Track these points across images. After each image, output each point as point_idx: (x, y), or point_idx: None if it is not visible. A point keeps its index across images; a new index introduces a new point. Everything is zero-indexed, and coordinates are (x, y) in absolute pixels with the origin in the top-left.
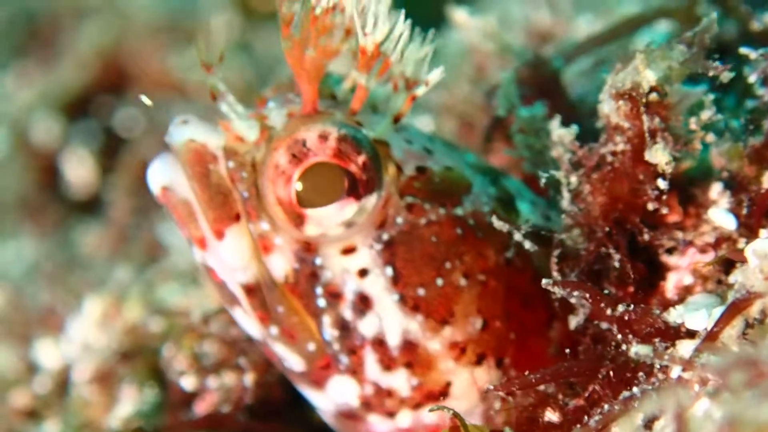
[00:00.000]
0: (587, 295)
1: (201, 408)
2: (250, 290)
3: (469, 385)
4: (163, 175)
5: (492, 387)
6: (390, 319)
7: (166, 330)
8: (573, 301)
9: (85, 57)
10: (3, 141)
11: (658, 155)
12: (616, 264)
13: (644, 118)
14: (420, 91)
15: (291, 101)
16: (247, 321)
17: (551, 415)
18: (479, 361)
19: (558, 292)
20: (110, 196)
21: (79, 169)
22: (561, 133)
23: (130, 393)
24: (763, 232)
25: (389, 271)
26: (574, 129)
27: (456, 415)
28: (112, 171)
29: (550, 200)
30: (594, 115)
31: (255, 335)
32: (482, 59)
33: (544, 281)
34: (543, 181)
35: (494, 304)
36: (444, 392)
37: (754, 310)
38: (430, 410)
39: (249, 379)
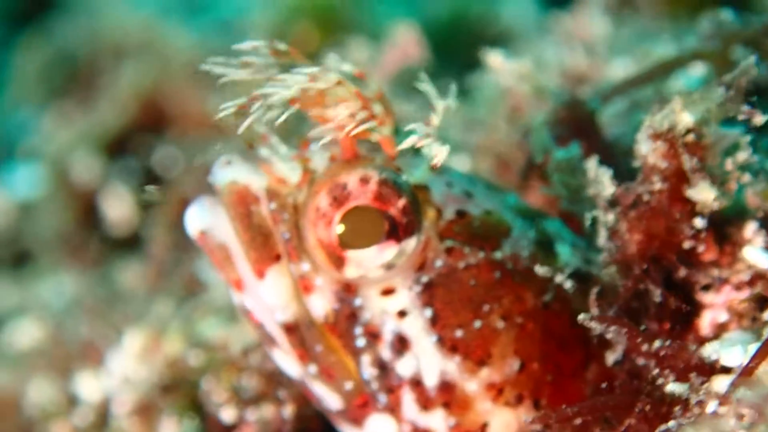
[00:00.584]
0: (624, 331)
1: None
2: (290, 329)
3: (506, 427)
4: (201, 220)
5: (530, 420)
6: (428, 360)
7: (205, 363)
8: (610, 336)
9: (124, 97)
10: (44, 180)
11: (705, 192)
12: (655, 299)
13: (685, 157)
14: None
15: (334, 144)
16: (286, 361)
17: None
18: (516, 402)
19: (595, 327)
20: (149, 232)
21: (118, 207)
22: (599, 172)
23: (170, 425)
24: None
25: (428, 312)
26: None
27: None
28: (151, 209)
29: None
30: (629, 156)
31: (293, 374)
32: (518, 100)
33: (581, 316)
34: (588, 222)
35: (531, 346)
36: None
37: None
38: None
39: (288, 411)
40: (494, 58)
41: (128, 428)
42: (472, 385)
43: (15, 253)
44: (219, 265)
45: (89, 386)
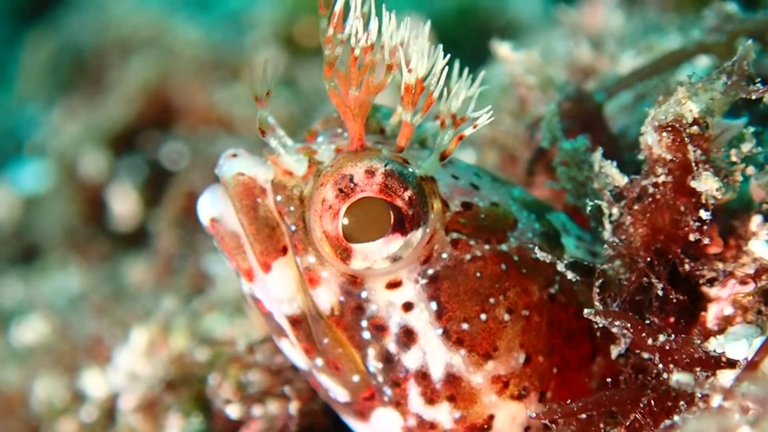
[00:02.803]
0: (629, 325)
1: None
2: (296, 322)
3: (511, 419)
4: (213, 207)
5: (535, 415)
6: (434, 353)
7: (211, 359)
8: (615, 330)
9: (130, 92)
10: (50, 174)
11: (709, 182)
12: (659, 293)
13: (689, 147)
14: (467, 131)
15: (339, 136)
16: (293, 352)
17: None
18: (522, 395)
19: (600, 321)
20: (156, 228)
21: (125, 202)
22: (606, 167)
23: (176, 421)
24: None
25: (434, 305)
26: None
27: None
28: (157, 204)
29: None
30: (635, 148)
31: (301, 366)
32: (525, 93)
33: (586, 311)
34: (588, 209)
35: (537, 339)
36: (487, 426)
37: None
38: None
39: (293, 407)
40: (502, 49)
41: (135, 424)
42: (477, 378)
43: (22, 248)
44: (230, 254)
45: (96, 383)
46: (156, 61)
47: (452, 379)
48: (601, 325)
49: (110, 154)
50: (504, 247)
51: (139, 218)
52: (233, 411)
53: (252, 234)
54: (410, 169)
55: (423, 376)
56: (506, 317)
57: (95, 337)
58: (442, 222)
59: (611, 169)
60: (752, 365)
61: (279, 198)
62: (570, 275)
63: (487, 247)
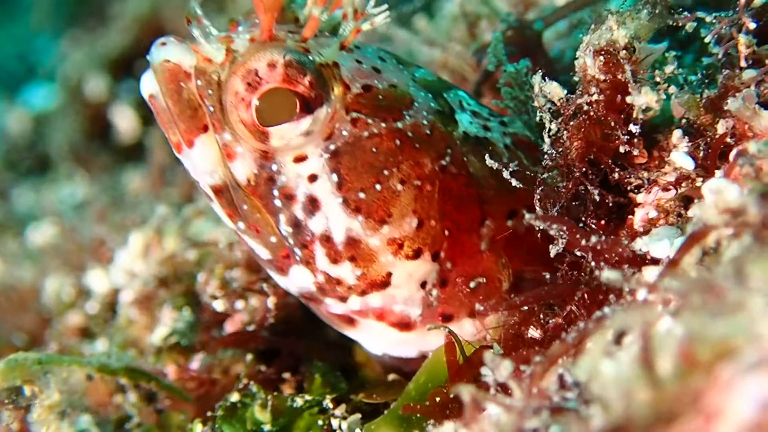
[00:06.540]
0: (565, 228)
1: (230, 327)
2: (218, 191)
3: (407, 276)
4: (150, 86)
5: (482, 308)
6: (335, 219)
7: (199, 259)
8: (552, 233)
9: (128, 22)
10: (59, 95)
11: (648, 96)
12: (594, 198)
13: (627, 67)
14: (365, 26)
15: (256, 26)
16: (221, 214)
17: (534, 332)
18: (416, 255)
19: (539, 224)
20: (151, 143)
21: (124, 120)
22: (545, 86)
23: (169, 313)
24: (717, 173)
25: (335, 177)
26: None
27: (451, 332)
28: (153, 122)
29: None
30: (570, 71)
31: (229, 227)
32: (473, 22)
33: (527, 216)
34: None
35: (429, 205)
36: (386, 282)
37: (710, 240)
38: (429, 329)
39: (271, 301)
40: None
41: (133, 316)
42: (374, 240)
43: (34, 160)
44: (164, 127)
45: (99, 280)
46: None
47: (352, 242)
48: (539, 227)
49: (110, 78)
50: (399, 124)
51: (137, 134)
52: (219, 305)
53: (176, 114)
54: (309, 57)
55: (327, 239)
56: (399, 187)
57: (98, 239)
58: (342, 103)
59: (552, 85)
60: (673, 263)
61: (200, 82)
62: (465, 149)
63: (383, 125)
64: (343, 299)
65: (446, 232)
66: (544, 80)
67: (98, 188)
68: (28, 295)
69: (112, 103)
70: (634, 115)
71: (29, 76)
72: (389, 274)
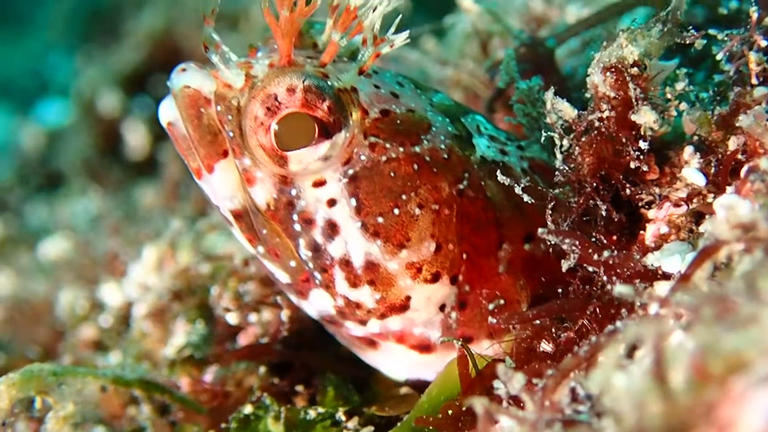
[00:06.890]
0: (577, 242)
1: (243, 340)
2: (238, 216)
3: (426, 299)
4: (168, 113)
5: (495, 321)
6: (354, 243)
7: (213, 272)
8: (565, 247)
9: (141, 39)
10: (72, 111)
11: (647, 115)
12: (603, 213)
13: (630, 85)
14: (385, 49)
15: (275, 51)
16: (241, 239)
17: (546, 346)
18: (435, 278)
19: (551, 239)
20: (164, 158)
21: (137, 136)
22: (557, 103)
23: (183, 327)
24: (729, 189)
25: (353, 201)
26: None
27: (464, 345)
28: (165, 138)
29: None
30: (582, 88)
31: (249, 251)
32: (485, 40)
33: (540, 230)
34: (542, 138)
35: (447, 229)
36: (405, 305)
37: (721, 255)
38: (442, 342)
39: (285, 314)
40: (466, 1)
41: (146, 329)
42: (393, 264)
43: (47, 175)
44: (183, 154)
45: (113, 293)
46: (163, 12)
47: (371, 266)
48: (552, 242)
49: (123, 94)
50: (417, 149)
51: (149, 150)
52: (232, 318)
53: (196, 140)
54: (328, 83)
55: (346, 264)
56: (417, 211)
57: (112, 253)
58: (361, 127)
59: (563, 104)
60: (685, 277)
61: (219, 108)
62: (482, 173)
63: (401, 149)
64: (363, 322)
65: (464, 256)
66: (556, 97)
67: (111, 203)
68: (42, 308)
69: (125, 119)
70: (642, 132)
71: (42, 91)
72: (408, 298)
